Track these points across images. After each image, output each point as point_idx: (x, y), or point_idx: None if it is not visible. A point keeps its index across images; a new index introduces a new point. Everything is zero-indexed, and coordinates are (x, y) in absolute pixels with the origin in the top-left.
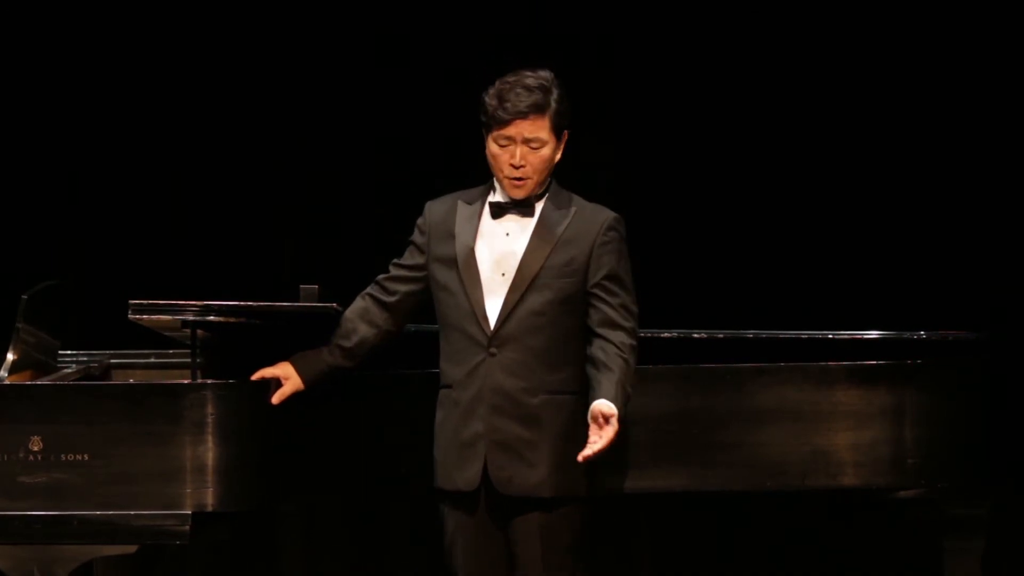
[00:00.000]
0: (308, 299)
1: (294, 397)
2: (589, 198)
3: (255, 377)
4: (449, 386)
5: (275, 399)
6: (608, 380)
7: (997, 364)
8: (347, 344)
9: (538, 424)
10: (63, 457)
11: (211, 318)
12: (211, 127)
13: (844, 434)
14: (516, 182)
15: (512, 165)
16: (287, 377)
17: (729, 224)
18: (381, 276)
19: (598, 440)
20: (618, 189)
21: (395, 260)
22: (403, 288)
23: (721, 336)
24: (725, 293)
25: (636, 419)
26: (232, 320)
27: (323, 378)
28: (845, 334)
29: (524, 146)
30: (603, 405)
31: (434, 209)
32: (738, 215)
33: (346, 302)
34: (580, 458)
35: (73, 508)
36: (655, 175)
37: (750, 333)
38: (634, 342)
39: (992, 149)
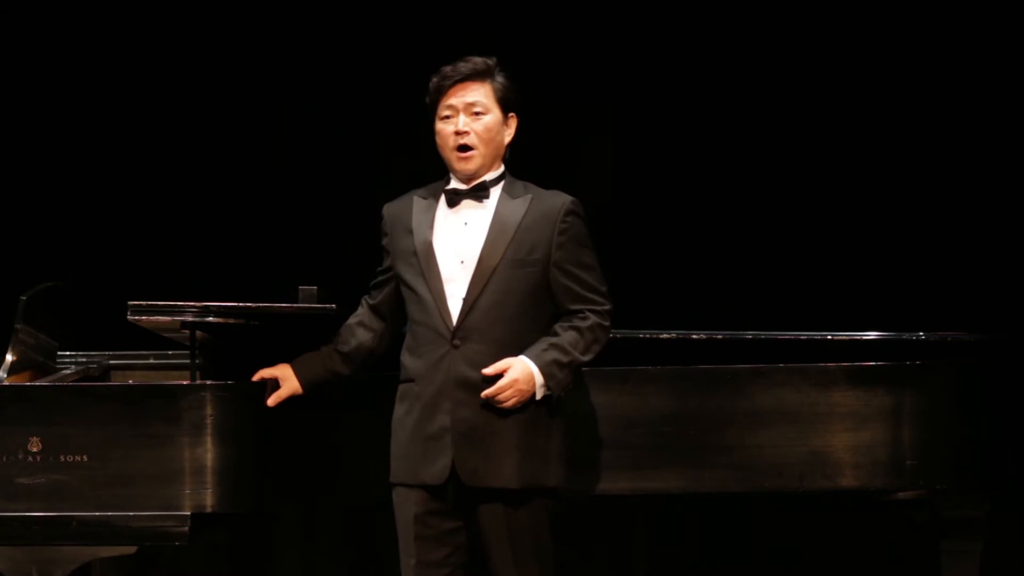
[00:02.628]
0: (307, 300)
1: (292, 398)
2: (589, 197)
3: (255, 378)
4: (411, 380)
5: (271, 401)
6: (541, 341)
7: (997, 365)
8: (345, 349)
9: (504, 415)
10: (62, 458)
11: (210, 319)
12: (211, 127)
13: (842, 435)
14: (461, 153)
15: (456, 133)
16: (285, 379)
17: (728, 225)
18: (372, 283)
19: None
20: (618, 189)
21: (378, 267)
22: (384, 291)
23: (720, 337)
24: (724, 294)
25: (634, 420)
26: (231, 321)
27: (321, 383)
28: (843, 335)
29: (467, 114)
30: (509, 360)
31: (391, 208)
32: (737, 216)
33: (345, 303)
34: (483, 395)
35: (72, 509)
36: (655, 175)
37: (749, 334)
38: (600, 319)
39: (992, 149)
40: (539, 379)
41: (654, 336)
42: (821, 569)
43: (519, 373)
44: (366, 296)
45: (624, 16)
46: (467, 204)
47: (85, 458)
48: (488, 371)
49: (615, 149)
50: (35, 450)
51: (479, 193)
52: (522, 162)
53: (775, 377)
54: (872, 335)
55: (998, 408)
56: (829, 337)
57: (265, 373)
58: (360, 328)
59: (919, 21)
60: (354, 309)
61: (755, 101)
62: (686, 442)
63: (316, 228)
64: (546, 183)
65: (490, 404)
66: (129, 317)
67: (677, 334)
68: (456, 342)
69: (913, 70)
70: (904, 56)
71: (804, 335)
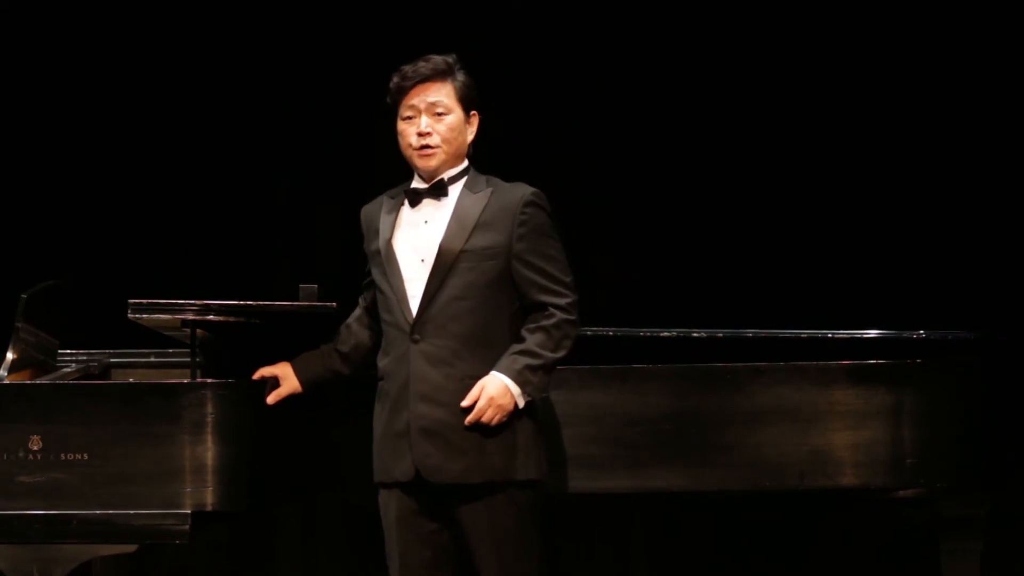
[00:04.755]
0: (308, 298)
1: (293, 397)
2: (586, 197)
3: (255, 377)
4: (383, 378)
5: (270, 399)
6: (509, 352)
7: (997, 364)
8: (344, 349)
9: (464, 410)
10: (62, 456)
11: (211, 317)
12: (211, 127)
13: (842, 434)
14: (424, 151)
15: (418, 134)
16: (285, 378)
17: (728, 224)
18: (363, 283)
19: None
20: (617, 188)
21: (365, 269)
22: (372, 291)
23: (720, 336)
24: (724, 292)
25: (634, 418)
26: (231, 320)
27: (321, 382)
28: (844, 333)
29: (429, 115)
30: (483, 380)
31: (365, 211)
32: (738, 215)
33: (346, 302)
34: (466, 423)
35: (72, 508)
36: (654, 175)
37: (749, 332)
38: (565, 315)
39: (992, 149)
40: (515, 389)
41: (654, 334)
42: (821, 569)
43: (493, 390)
44: (361, 296)
45: (624, 13)
46: (427, 203)
47: (85, 456)
48: (465, 403)
49: (615, 147)
50: (35, 448)
51: (438, 191)
52: (522, 160)
53: (775, 375)
54: (872, 333)
55: (998, 407)
56: (829, 335)
57: (265, 372)
58: (358, 327)
59: (919, 21)
60: (354, 307)
61: (755, 100)
62: (686, 440)
63: (316, 227)
64: (544, 181)
65: (450, 399)
66: (130, 315)
67: (677, 332)
68: (415, 337)
69: (913, 70)
70: (904, 56)
71: (804, 333)
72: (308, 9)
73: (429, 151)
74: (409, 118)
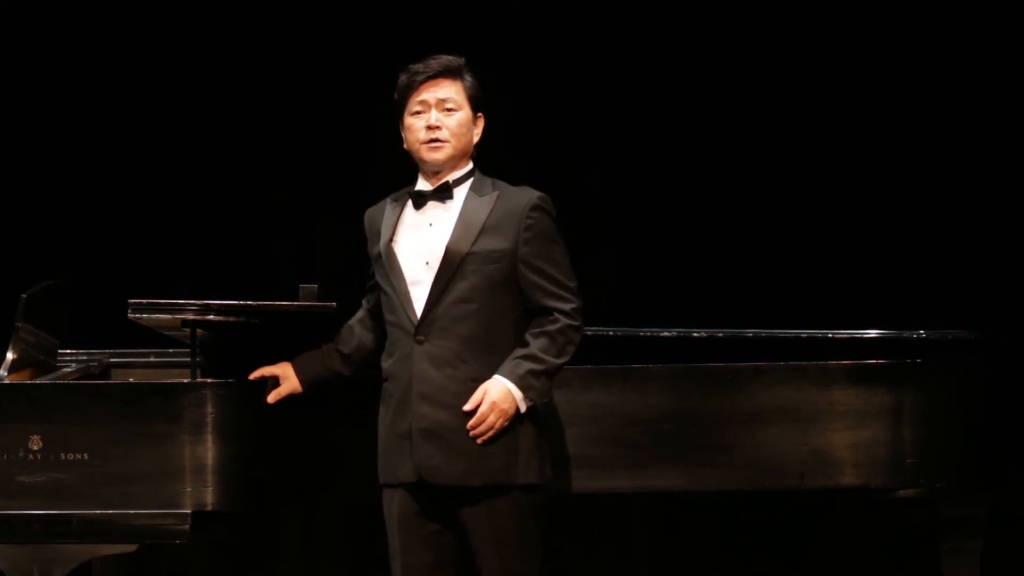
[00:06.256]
0: (308, 298)
1: (293, 397)
2: (586, 197)
3: (254, 376)
4: (387, 379)
5: (270, 398)
6: (512, 356)
7: (997, 364)
8: (345, 350)
9: (466, 412)
10: (62, 456)
11: (211, 317)
12: (211, 127)
13: (842, 434)
14: (432, 144)
15: (428, 127)
16: (285, 377)
17: (728, 223)
18: (367, 285)
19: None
20: (617, 188)
21: (370, 271)
22: (376, 294)
23: (720, 335)
24: (724, 292)
25: (635, 418)
26: (232, 319)
27: (321, 382)
28: (844, 333)
29: (439, 110)
30: (485, 384)
31: (369, 214)
32: (738, 215)
33: (346, 302)
34: (471, 434)
35: (72, 507)
36: (654, 175)
37: (749, 332)
38: (569, 320)
39: (992, 149)
40: (517, 393)
41: (655, 334)
42: (821, 569)
43: (496, 395)
44: (365, 298)
45: (624, 13)
46: (432, 205)
47: (86, 456)
48: (467, 407)
49: (614, 147)
50: (36, 448)
51: (443, 194)
52: (522, 160)
53: (775, 375)
54: (872, 333)
55: (998, 407)
56: (829, 335)
57: (265, 371)
58: (360, 328)
59: (919, 21)
60: (355, 308)
61: (755, 101)
62: (687, 440)
63: (316, 227)
64: (544, 181)
65: (453, 400)
66: (130, 315)
67: (678, 332)
68: (420, 338)
69: (913, 70)
70: (904, 56)
71: (804, 333)
72: (308, 9)
73: (438, 144)
74: (418, 112)
